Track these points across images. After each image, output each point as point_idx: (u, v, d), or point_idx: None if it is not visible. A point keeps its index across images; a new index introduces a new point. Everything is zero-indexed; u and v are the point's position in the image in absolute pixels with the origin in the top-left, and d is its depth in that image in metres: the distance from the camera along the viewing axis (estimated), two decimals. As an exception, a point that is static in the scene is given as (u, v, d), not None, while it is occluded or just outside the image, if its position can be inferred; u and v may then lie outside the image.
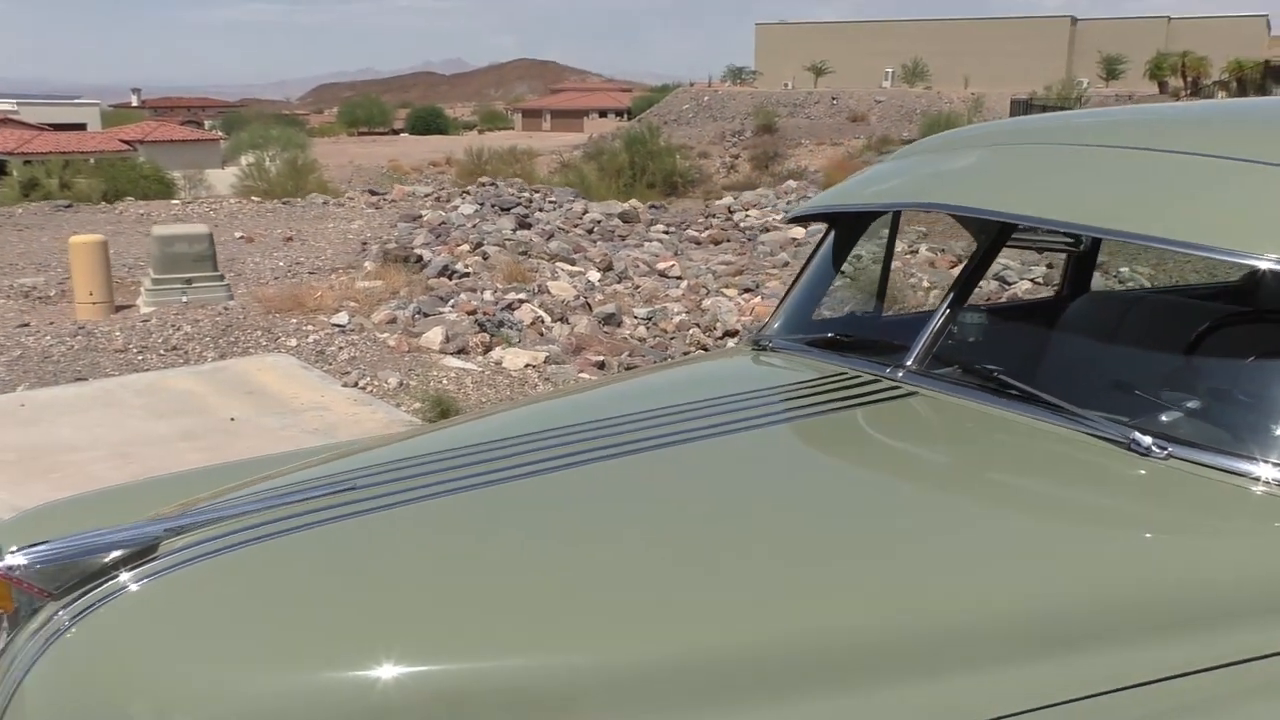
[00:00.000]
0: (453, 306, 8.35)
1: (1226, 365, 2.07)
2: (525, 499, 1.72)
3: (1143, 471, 1.80)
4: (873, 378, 2.22)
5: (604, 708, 1.31)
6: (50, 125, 42.30)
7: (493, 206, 15.44)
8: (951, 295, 2.32)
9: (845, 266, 2.88)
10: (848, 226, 2.79)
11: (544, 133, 70.59)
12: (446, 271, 9.95)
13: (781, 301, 2.86)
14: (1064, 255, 3.21)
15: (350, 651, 1.36)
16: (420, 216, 14.58)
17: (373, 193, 18.39)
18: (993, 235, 2.48)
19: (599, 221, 15.93)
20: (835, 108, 53.82)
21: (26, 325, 8.21)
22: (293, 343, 7.19)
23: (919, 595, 1.52)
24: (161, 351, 7.04)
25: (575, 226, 15.23)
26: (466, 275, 9.97)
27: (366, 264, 10.80)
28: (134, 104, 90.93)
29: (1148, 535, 1.73)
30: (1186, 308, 2.52)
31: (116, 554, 1.52)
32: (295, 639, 1.41)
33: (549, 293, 9.56)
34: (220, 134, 48.83)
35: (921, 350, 2.21)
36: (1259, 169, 1.93)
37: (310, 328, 7.47)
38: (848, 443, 2.12)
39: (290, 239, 13.75)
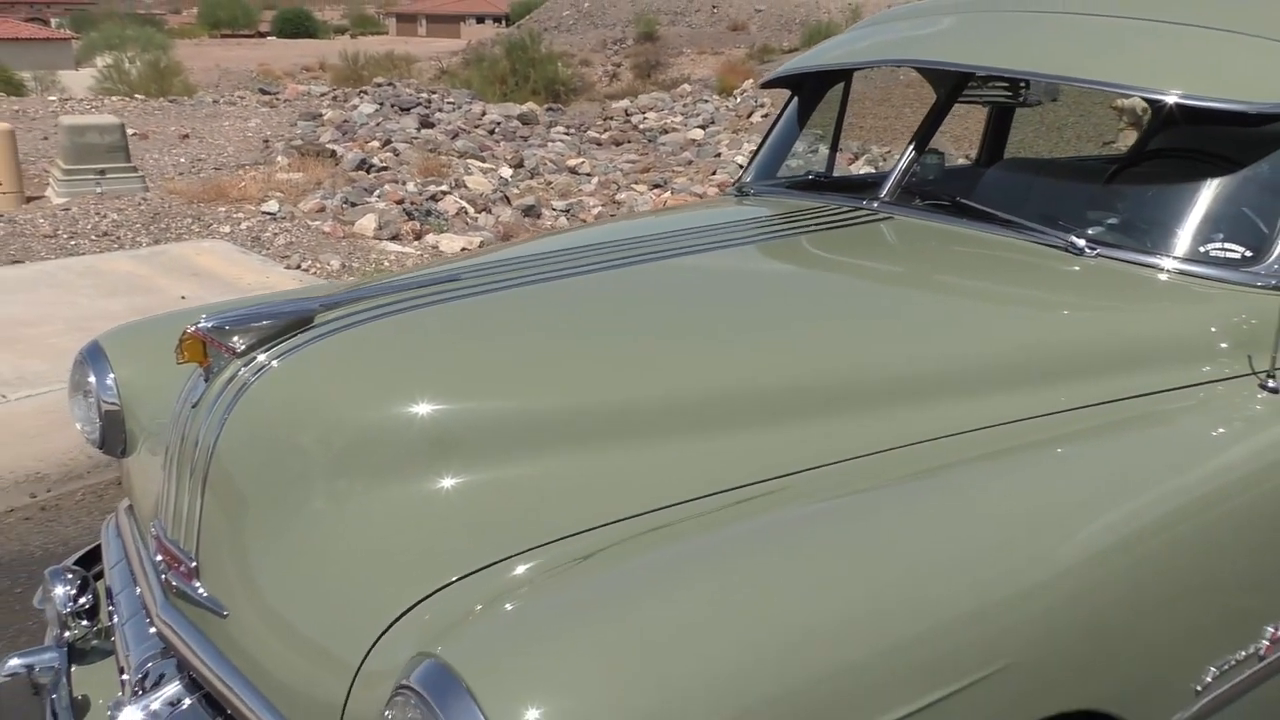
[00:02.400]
0: (379, 196, 8.50)
1: (1140, 188, 2.58)
2: (570, 290, 2.14)
3: (1076, 268, 2.29)
4: (851, 208, 2.66)
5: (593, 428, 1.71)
6: None
7: (393, 106, 15.36)
8: (915, 141, 2.76)
9: (806, 128, 3.31)
10: (810, 90, 3.20)
11: (420, 38, 68.64)
12: (364, 165, 10.04)
13: (753, 158, 3.27)
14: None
15: (483, 378, 1.76)
16: (321, 115, 14.44)
17: (264, 91, 18.01)
18: (949, 88, 2.92)
19: (499, 123, 15.99)
20: (716, 16, 53.56)
21: (-65, 215, 8.06)
22: (226, 229, 7.29)
23: (855, 348, 1.98)
24: (93, 237, 7.07)
25: (476, 127, 15.27)
26: (385, 169, 10.07)
27: (279, 158, 10.77)
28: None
29: (1076, 309, 2.22)
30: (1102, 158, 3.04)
31: (284, 321, 1.85)
32: (452, 370, 1.79)
33: (466, 187, 9.75)
34: (70, 33, 46.14)
35: (892, 185, 2.64)
36: (1169, 27, 2.41)
37: (240, 215, 7.56)
38: (826, 250, 2.55)
39: (186, 136, 13.49)
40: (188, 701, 1.82)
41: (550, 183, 11.05)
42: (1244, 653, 1.87)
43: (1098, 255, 2.26)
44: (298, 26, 74.52)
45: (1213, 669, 1.82)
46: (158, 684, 1.87)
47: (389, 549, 1.60)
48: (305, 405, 1.73)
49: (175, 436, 1.83)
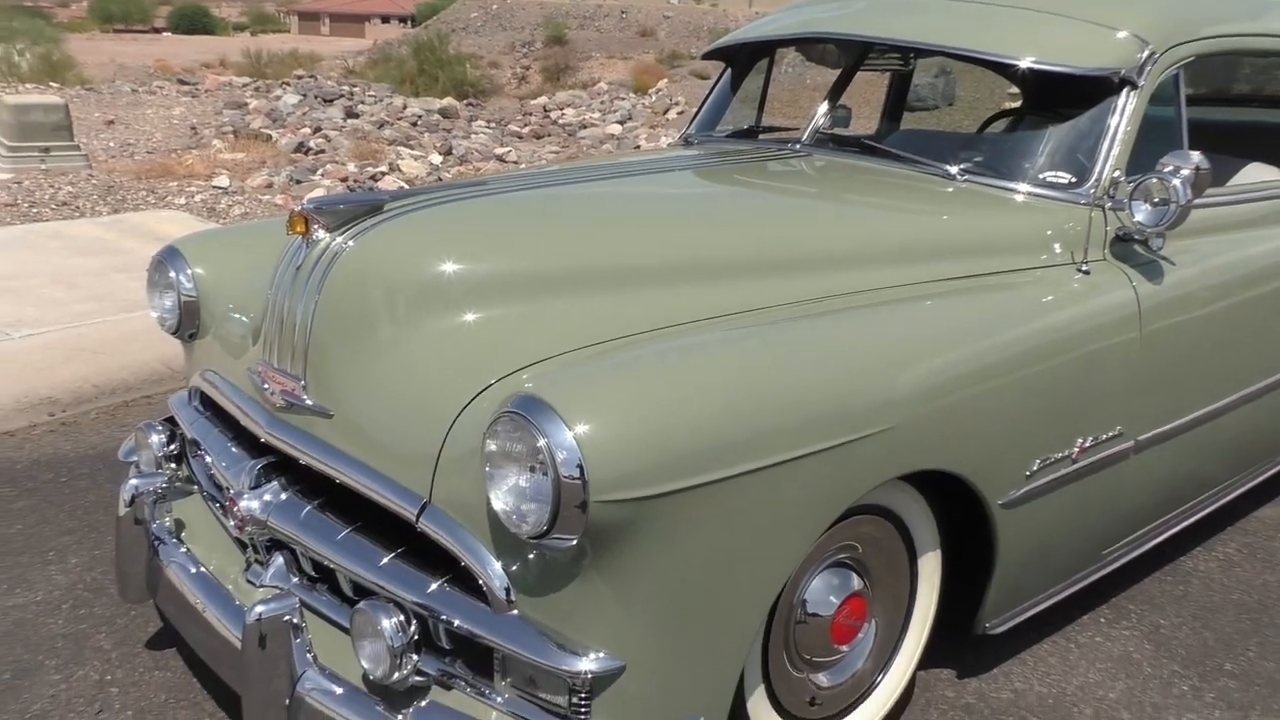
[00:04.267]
0: (322, 175, 8.99)
1: (999, 134, 3.34)
2: (568, 193, 2.86)
3: (950, 189, 3.03)
4: (777, 148, 3.38)
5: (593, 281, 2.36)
6: None
7: (316, 98, 15.73)
8: (829, 97, 3.49)
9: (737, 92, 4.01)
10: (742, 62, 3.92)
11: (324, 37, 67.94)
12: (302, 148, 10.49)
13: (694, 116, 3.97)
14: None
15: (508, 244, 2.45)
16: (246, 104, 14.76)
17: (183, 82, 18.16)
18: (854, 56, 3.65)
19: (420, 116, 16.43)
20: (625, 21, 54.25)
21: (-116, 187, 8.29)
22: (180, 201, 7.72)
23: (783, 233, 2.70)
24: (53, 206, 7.44)
25: (399, 119, 15.72)
26: (321, 153, 10.54)
27: (215, 142, 11.14)
28: None
29: (948, 215, 2.96)
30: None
31: (364, 207, 2.46)
32: (484, 238, 2.45)
33: (401, 170, 10.27)
34: (-48, 25, 44.66)
35: (810, 130, 3.38)
36: (1024, 12, 3.18)
37: (193, 189, 7.99)
38: (757, 175, 3.28)
39: (111, 122, 13.69)
40: (285, 495, 2.43)
41: (479, 169, 11.62)
42: (1060, 454, 2.63)
43: (967, 181, 3.01)
44: (194, 23, 72.91)
45: (1037, 461, 2.57)
46: (259, 485, 2.46)
47: (455, 356, 2.23)
48: (382, 262, 2.35)
49: (284, 289, 2.43)
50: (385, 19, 79.69)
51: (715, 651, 2.06)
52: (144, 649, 2.84)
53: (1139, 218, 2.75)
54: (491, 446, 1.92)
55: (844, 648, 2.40)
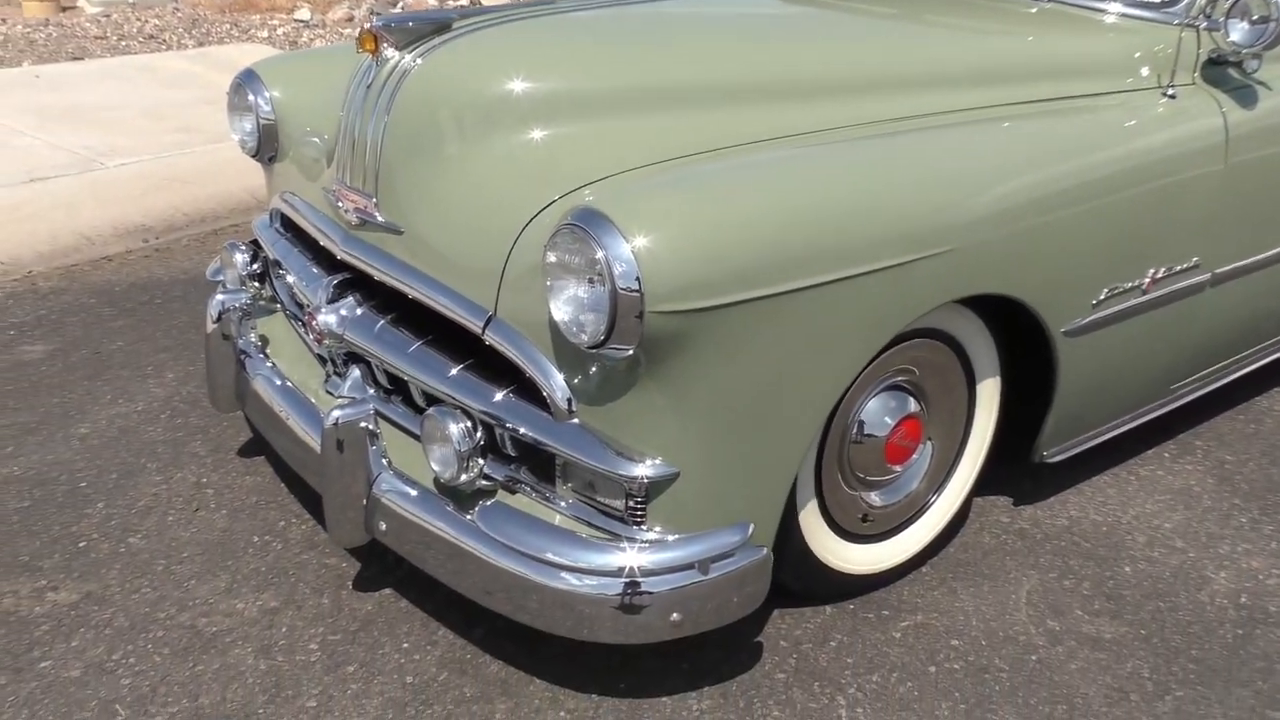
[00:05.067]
0: (403, 8, 8.92)
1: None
2: (642, 10, 2.83)
3: (1034, 10, 2.92)
4: None
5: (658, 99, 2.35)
6: None
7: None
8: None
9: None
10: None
11: None
12: (382, -19, 10.38)
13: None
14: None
15: (599, 57, 2.45)
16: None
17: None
18: None
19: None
20: None
21: (-20, 20, 8.47)
22: (263, 34, 7.76)
23: (865, 53, 2.65)
24: (140, 39, 7.54)
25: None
26: (401, -15, 10.42)
27: (296, -25, 11.06)
28: None
29: (1026, 37, 2.85)
30: None
31: (432, 25, 2.47)
32: (548, 56, 2.44)
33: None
34: None
35: None
36: None
37: (275, 23, 8.02)
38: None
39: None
40: (360, 310, 2.53)
41: None
42: (1130, 284, 2.59)
43: (1053, 2, 2.89)
44: None
45: (1105, 290, 2.54)
46: (336, 301, 2.57)
47: (520, 173, 2.26)
48: (449, 80, 2.37)
49: (355, 109, 2.47)
50: None
51: (767, 462, 2.13)
52: (235, 456, 3.03)
53: (1234, 37, 2.63)
54: (552, 258, 1.97)
55: (898, 468, 2.46)
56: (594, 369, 2.04)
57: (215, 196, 5.04)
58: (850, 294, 2.08)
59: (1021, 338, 2.52)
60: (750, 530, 2.08)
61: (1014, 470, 2.83)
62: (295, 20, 8.16)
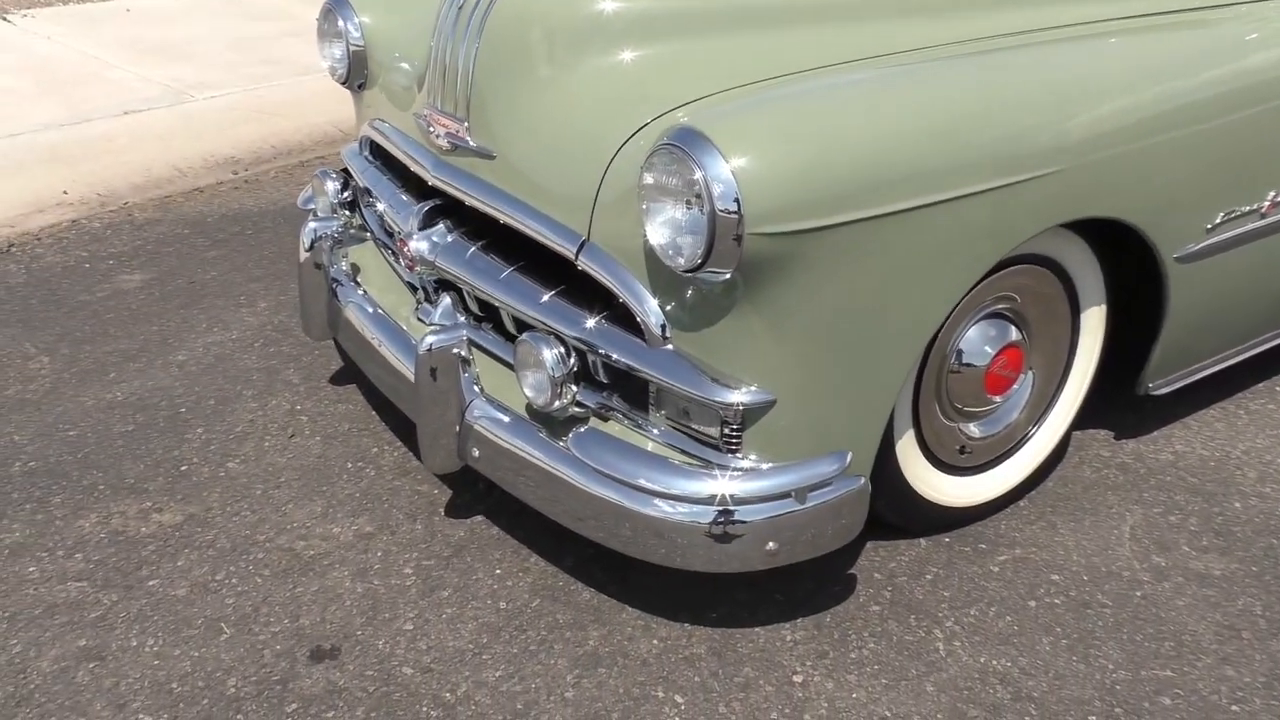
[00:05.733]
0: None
1: None
2: None
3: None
4: None
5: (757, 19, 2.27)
6: None
7: None
8: None
9: None
10: None
11: None
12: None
13: None
14: None
15: None
16: None
17: None
18: None
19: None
20: None
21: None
22: (344, -34, 7.75)
23: None
24: (225, -27, 7.58)
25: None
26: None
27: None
28: None
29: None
30: None
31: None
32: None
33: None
34: None
35: None
36: None
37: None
38: None
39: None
40: (451, 237, 2.51)
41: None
42: (1248, 207, 2.47)
43: None
44: None
45: (1221, 214, 2.42)
46: (427, 228, 2.56)
47: (613, 95, 2.21)
48: (539, 1, 2.32)
49: (445, 32, 2.44)
50: None
51: (865, 390, 2.08)
52: (328, 384, 3.07)
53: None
54: (648, 180, 1.93)
55: (997, 399, 2.39)
56: (689, 294, 2.01)
57: (301, 129, 5.07)
58: (952, 217, 2.00)
59: (1129, 264, 2.42)
60: (848, 459, 2.04)
61: (1115, 403, 2.74)
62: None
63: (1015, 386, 2.42)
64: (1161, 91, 2.27)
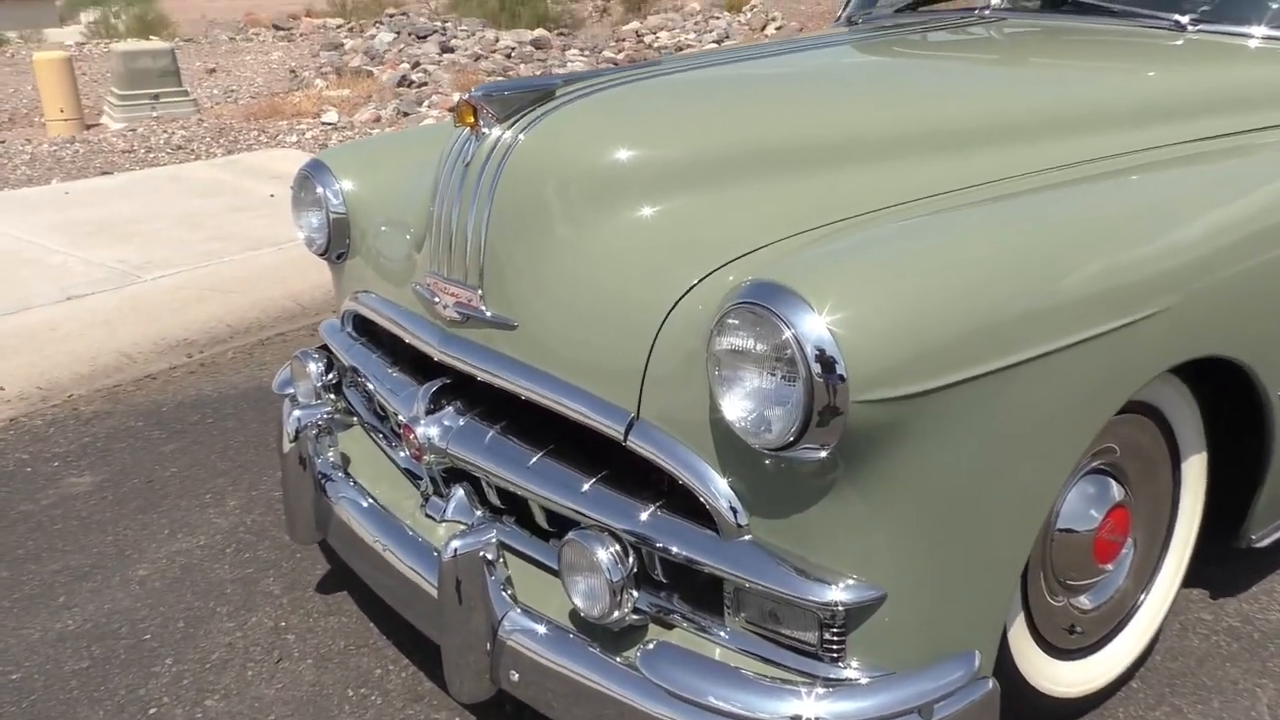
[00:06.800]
0: (429, 106, 8.79)
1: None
2: (760, 68, 2.58)
3: (1180, 41, 2.63)
4: (963, 16, 3.00)
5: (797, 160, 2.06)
6: None
7: (410, 34, 15.48)
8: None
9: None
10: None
11: (406, -19, 67.85)
12: (404, 82, 10.29)
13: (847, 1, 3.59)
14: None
15: (726, 117, 2.14)
16: (342, 45, 14.62)
17: (278, 27, 18.14)
18: None
19: (514, 48, 16.09)
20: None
21: (3, 143, 8.34)
22: (291, 139, 7.60)
23: (1016, 98, 2.34)
24: (168, 150, 7.38)
25: (493, 52, 15.42)
26: (424, 85, 10.32)
27: (317, 80, 11.02)
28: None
29: (1183, 69, 2.56)
30: None
31: (536, 94, 2.18)
32: (698, 116, 2.16)
33: (504, 98, 9.99)
34: (50, -9, 45.71)
35: None
36: None
37: (302, 127, 7.86)
38: (950, 40, 2.91)
39: (213, 70, 13.70)
40: (464, 420, 2.20)
41: (580, 95, 11.25)
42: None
43: (1200, 31, 2.61)
44: (279, -25, 73.78)
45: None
46: (434, 411, 2.24)
47: (653, 252, 1.94)
48: (562, 152, 2.07)
49: (452, 190, 2.17)
50: (464, -43, 79.24)
51: (986, 572, 1.77)
52: (315, 592, 2.68)
53: None
54: (722, 345, 1.64)
55: (1108, 566, 2.09)
56: (770, 474, 1.70)
57: (258, 304, 4.76)
58: (1069, 365, 1.74)
59: (1227, 406, 2.17)
60: (976, 661, 1.72)
61: (1202, 556, 2.45)
62: (322, 123, 8.02)
63: (1124, 551, 2.12)
64: (1256, 211, 2.07)
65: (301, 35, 17.03)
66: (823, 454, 1.59)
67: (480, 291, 2.11)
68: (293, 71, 12.98)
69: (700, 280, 1.84)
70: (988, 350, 1.64)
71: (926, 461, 1.64)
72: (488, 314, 2.09)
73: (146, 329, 4.47)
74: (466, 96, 2.18)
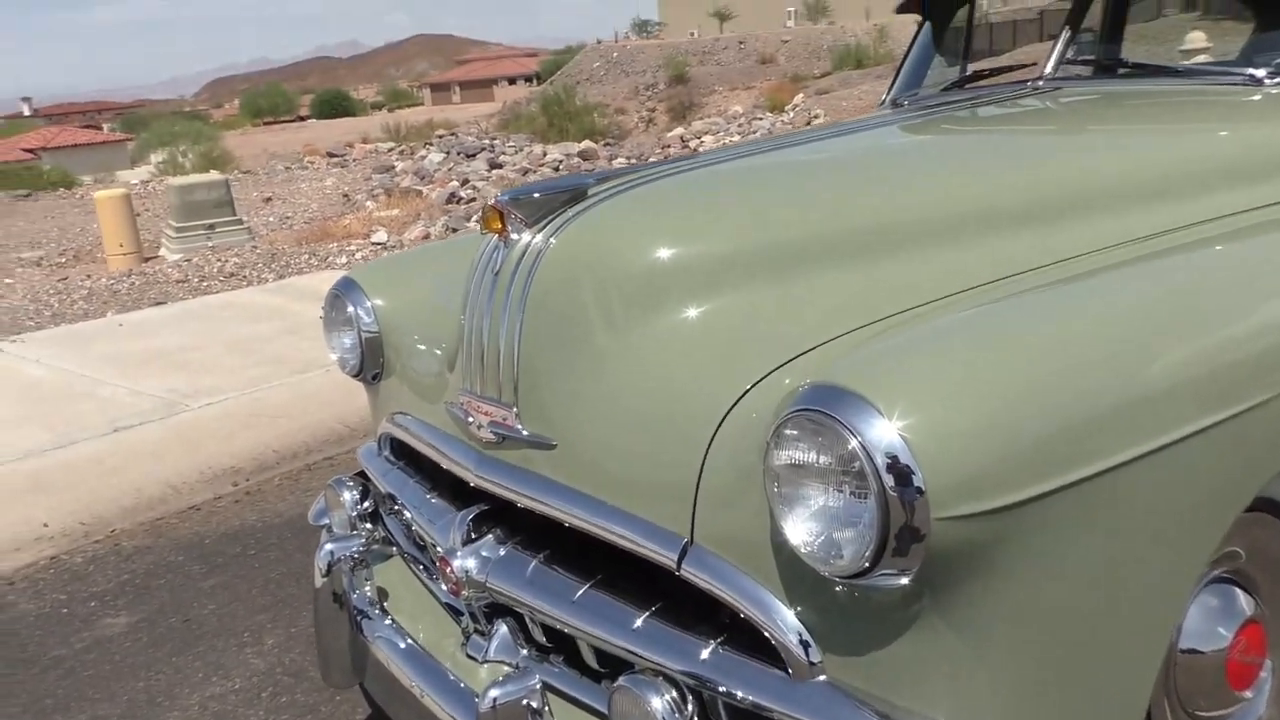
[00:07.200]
0: (478, 221, 8.82)
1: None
2: (800, 155, 2.42)
3: (1258, 96, 2.44)
4: (1016, 89, 2.84)
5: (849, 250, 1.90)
6: (-56, 142, 41.53)
7: (459, 153, 15.84)
8: (1070, 19, 2.93)
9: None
10: (940, 12, 3.40)
11: (456, 105, 70.17)
12: (454, 199, 10.40)
13: (894, 81, 3.45)
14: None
15: (770, 208, 1.98)
16: (393, 167, 14.97)
17: (332, 155, 18.66)
18: None
19: (561, 160, 16.38)
20: (744, 51, 54.11)
21: (65, 280, 8.51)
22: (342, 260, 7.63)
23: (1079, 171, 2.16)
24: (221, 278, 7.44)
25: (541, 165, 15.69)
26: (472, 201, 10.43)
27: (367, 203, 11.19)
28: (27, 113, 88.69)
29: (1261, 125, 2.36)
30: None
31: (566, 195, 2.05)
32: (739, 209, 2.00)
33: (552, 209, 10.05)
34: (124, 135, 47.99)
35: (1055, 61, 2.82)
36: None
37: (352, 248, 7.91)
38: (1005, 114, 2.74)
39: (269, 199, 14.04)
40: (504, 550, 2.01)
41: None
42: None
43: (1278, 84, 2.42)
44: (335, 107, 76.65)
45: None
46: (473, 540, 2.06)
47: (701, 358, 1.77)
48: (597, 255, 1.92)
49: (482, 301, 2.03)
50: (512, 80, 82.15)
51: (1106, 710, 1.52)
52: (355, 740, 2.47)
53: None
54: (780, 460, 1.45)
55: (1246, 694, 1.82)
56: (845, 603, 1.48)
57: (306, 428, 4.66)
58: (1183, 460, 1.52)
59: None
60: (1100, 820, 1.46)
61: None
62: (372, 244, 8.07)
63: (1263, 674, 1.85)
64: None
65: (355, 161, 17.48)
66: (904, 580, 1.38)
67: (515, 409, 1.94)
68: (345, 195, 13.26)
69: (754, 385, 1.65)
70: (1086, 451, 1.42)
71: (1027, 585, 1.41)
72: (524, 433, 1.92)
73: (193, 458, 4.38)
74: (492, 202, 2.05)
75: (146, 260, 9.08)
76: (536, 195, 2.03)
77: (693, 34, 55.85)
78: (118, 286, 7.41)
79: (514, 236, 2.02)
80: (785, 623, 1.52)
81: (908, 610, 1.43)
